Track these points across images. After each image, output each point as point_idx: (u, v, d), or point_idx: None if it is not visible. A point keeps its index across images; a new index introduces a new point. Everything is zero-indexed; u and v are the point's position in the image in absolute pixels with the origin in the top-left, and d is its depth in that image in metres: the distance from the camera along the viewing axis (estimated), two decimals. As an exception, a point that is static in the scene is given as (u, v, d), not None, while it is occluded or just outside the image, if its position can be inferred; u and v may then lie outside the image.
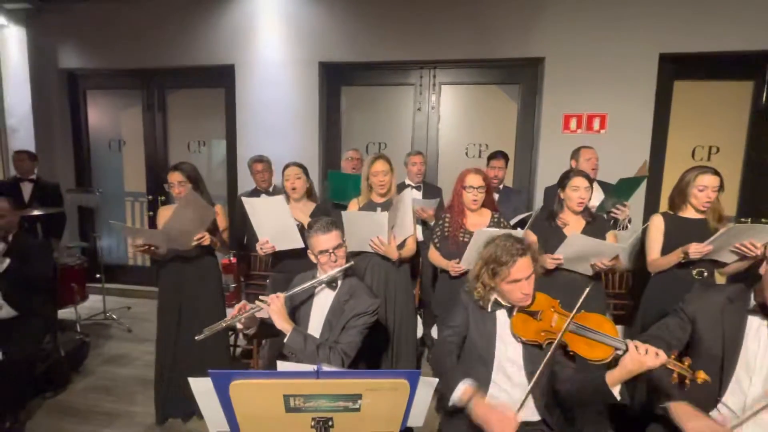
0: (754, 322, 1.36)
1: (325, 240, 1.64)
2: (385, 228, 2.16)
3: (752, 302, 1.38)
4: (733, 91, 3.44)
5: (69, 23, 4.19)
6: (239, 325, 1.60)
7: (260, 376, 0.92)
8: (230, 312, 1.60)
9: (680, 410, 1.31)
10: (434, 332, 2.58)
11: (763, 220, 3.37)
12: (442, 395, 1.50)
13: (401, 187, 3.07)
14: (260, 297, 1.58)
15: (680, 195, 2.10)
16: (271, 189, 3.22)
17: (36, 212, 3.30)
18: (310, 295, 1.74)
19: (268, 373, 0.98)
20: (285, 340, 1.54)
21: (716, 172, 2.03)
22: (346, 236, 2.18)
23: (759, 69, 3.35)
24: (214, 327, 1.49)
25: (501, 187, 3.15)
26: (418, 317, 2.86)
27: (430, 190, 3.23)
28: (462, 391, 1.37)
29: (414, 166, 3.17)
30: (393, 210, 2.16)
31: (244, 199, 2.26)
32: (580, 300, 1.36)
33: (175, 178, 2.23)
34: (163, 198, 4.19)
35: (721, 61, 3.37)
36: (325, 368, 0.90)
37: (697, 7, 3.24)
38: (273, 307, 1.54)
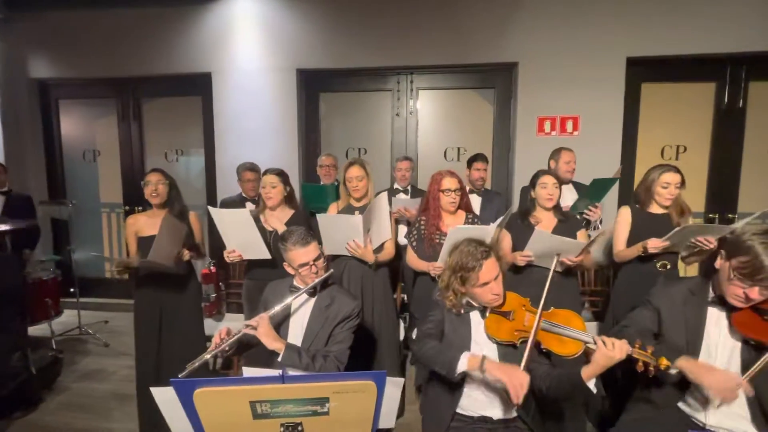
0: (713, 313, 1.42)
1: (304, 253, 1.63)
2: (360, 231, 2.16)
3: (711, 294, 1.43)
4: (698, 92, 3.58)
5: (40, 32, 4.10)
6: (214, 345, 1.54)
7: (224, 383, 0.91)
8: (215, 327, 1.55)
9: (693, 366, 1.32)
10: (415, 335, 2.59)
11: (729, 215, 3.51)
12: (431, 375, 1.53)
13: (391, 192, 3.10)
14: (245, 323, 1.55)
15: (646, 192, 2.21)
16: (257, 198, 3.19)
17: (7, 227, 3.19)
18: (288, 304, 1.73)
19: (232, 380, 0.97)
20: (279, 359, 1.51)
21: (677, 170, 2.15)
22: (322, 239, 2.19)
23: (720, 70, 3.50)
24: (196, 361, 1.41)
25: (483, 189, 3.19)
26: (401, 321, 2.86)
27: (417, 194, 3.23)
28: (467, 358, 1.37)
29: (399, 171, 3.23)
30: (368, 213, 2.16)
31: (210, 209, 2.25)
32: (543, 296, 1.40)
33: (155, 177, 2.29)
34: (140, 208, 4.11)
35: (685, 64, 3.50)
36: (290, 372, 0.90)
37: (662, 13, 3.37)
38: (261, 331, 1.52)
